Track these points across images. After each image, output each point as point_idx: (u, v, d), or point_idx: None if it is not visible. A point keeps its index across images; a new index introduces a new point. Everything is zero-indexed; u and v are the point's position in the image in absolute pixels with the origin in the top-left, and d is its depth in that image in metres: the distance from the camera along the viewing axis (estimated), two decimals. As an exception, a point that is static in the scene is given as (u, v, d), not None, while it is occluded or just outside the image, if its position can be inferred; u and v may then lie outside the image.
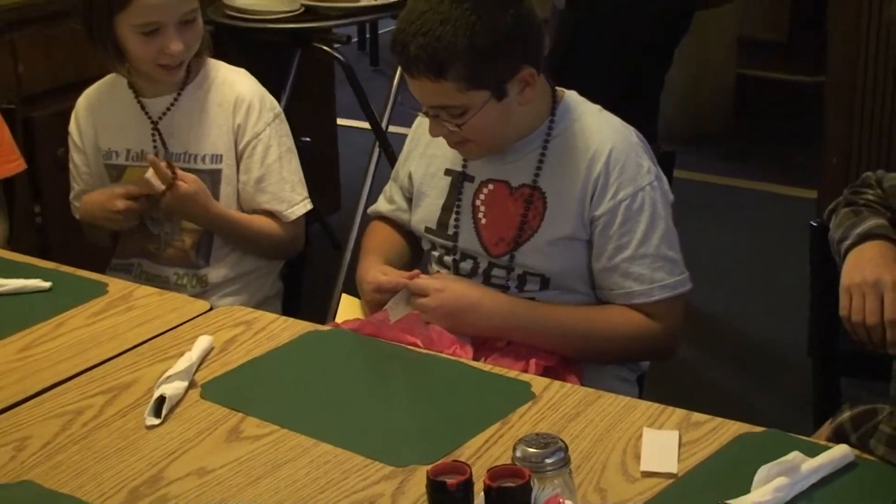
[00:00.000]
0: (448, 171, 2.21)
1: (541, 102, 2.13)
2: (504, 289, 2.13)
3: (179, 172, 2.40)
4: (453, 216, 2.19)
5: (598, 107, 2.17)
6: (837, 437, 1.61)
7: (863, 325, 1.82)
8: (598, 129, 2.12)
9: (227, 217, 2.47)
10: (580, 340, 2.09)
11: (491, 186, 2.16)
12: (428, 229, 2.23)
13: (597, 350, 2.11)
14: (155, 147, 2.47)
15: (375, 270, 2.16)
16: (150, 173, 2.39)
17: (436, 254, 2.23)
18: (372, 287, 2.14)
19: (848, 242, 1.90)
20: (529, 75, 2.05)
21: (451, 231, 2.19)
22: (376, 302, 2.13)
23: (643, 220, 2.08)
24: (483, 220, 2.16)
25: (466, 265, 2.18)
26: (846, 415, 1.62)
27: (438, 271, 2.21)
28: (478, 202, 2.17)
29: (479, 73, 2.00)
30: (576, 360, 2.07)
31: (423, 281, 2.11)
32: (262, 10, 3.59)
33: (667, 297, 2.08)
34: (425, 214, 2.24)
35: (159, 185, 2.39)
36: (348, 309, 2.25)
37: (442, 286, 2.10)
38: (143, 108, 2.50)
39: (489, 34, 1.98)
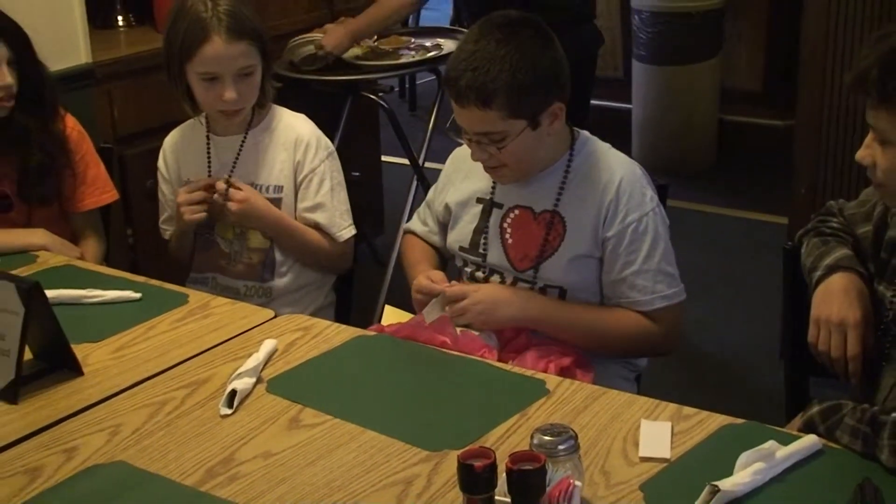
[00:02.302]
0: (479, 200, 2.21)
1: (561, 139, 2.13)
2: None
3: (234, 183, 2.43)
4: (483, 237, 2.19)
5: (607, 144, 2.17)
6: (807, 428, 1.60)
7: (828, 355, 1.81)
8: (609, 163, 2.12)
9: (288, 223, 2.48)
10: (593, 335, 2.09)
11: (517, 212, 2.16)
12: (461, 248, 2.23)
13: (606, 345, 2.10)
14: (228, 177, 2.48)
15: (422, 274, 2.16)
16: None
17: (468, 270, 2.22)
18: (416, 288, 2.14)
19: (818, 274, 1.88)
20: (558, 108, 2.05)
21: (481, 250, 2.19)
22: (418, 301, 2.13)
23: (647, 240, 2.07)
24: (510, 241, 2.16)
25: (495, 279, 2.17)
26: (815, 409, 1.60)
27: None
28: (505, 225, 2.17)
29: (519, 104, 1.99)
30: (587, 363, 2.05)
31: (458, 286, 2.10)
32: (319, 65, 3.61)
33: (665, 305, 2.08)
34: (459, 236, 2.23)
35: (219, 182, 2.43)
36: (390, 317, 2.25)
37: (476, 287, 2.10)
38: (208, 151, 2.52)
39: (529, 72, 1.98)
